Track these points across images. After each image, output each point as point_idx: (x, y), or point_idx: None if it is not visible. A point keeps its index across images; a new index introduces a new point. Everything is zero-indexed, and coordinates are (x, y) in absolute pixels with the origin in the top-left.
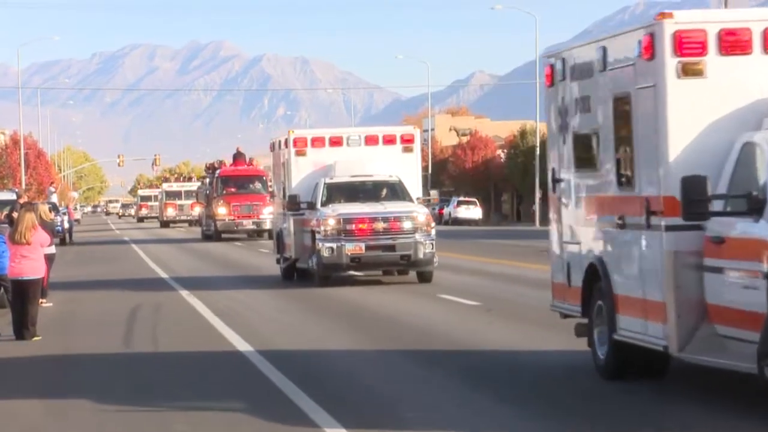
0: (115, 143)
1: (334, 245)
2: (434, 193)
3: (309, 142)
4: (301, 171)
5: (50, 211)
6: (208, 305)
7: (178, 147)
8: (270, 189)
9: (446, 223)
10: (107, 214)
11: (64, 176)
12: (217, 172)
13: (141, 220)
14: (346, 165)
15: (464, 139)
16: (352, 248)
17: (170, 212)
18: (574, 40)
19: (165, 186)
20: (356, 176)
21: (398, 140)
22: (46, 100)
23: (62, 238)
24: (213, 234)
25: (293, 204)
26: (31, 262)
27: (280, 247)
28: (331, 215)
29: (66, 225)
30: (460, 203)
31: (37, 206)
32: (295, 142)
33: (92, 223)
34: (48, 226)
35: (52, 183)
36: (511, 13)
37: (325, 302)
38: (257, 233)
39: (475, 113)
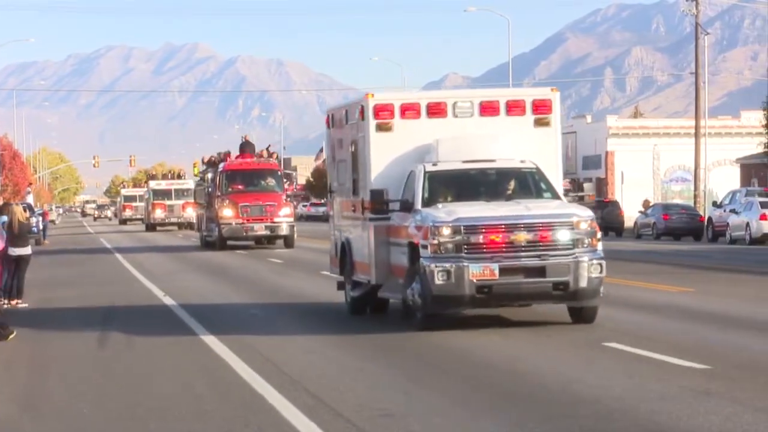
0: (91, 144)
1: (452, 266)
2: (588, 187)
3: (397, 111)
4: (384, 154)
5: (25, 212)
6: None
7: (154, 148)
8: (284, 185)
9: None
10: (84, 215)
11: (39, 177)
12: (221, 165)
13: (124, 222)
14: (453, 145)
15: None
16: (478, 272)
17: (158, 214)
18: (547, 42)
19: (153, 184)
20: (471, 162)
21: (529, 108)
22: (22, 101)
23: (37, 239)
24: (216, 241)
25: (378, 204)
26: None
27: (347, 266)
28: (445, 221)
29: (41, 226)
30: None
31: (12, 207)
32: (376, 110)
33: (66, 224)
34: (23, 227)
35: (30, 184)
36: (484, 16)
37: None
38: (268, 240)
39: None
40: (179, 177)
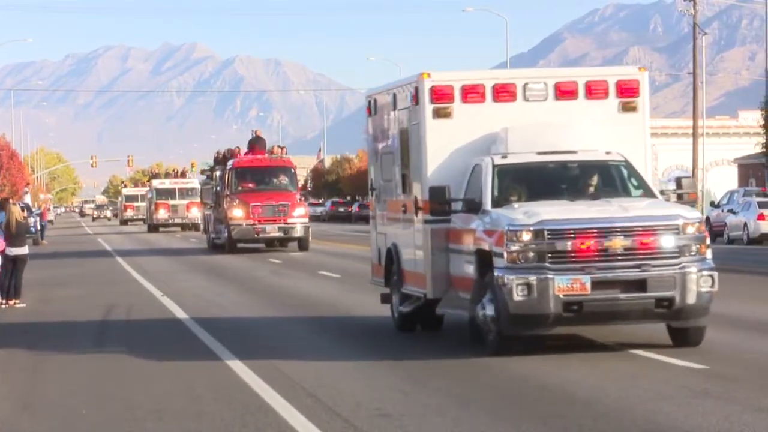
0: (89, 144)
1: (534, 279)
2: (689, 183)
3: (458, 94)
4: (442, 144)
5: (23, 211)
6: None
7: (151, 148)
8: (297, 183)
9: None
10: (82, 215)
11: (37, 177)
12: (230, 162)
13: (125, 222)
14: (525, 134)
15: None
16: (566, 285)
17: (162, 214)
18: (545, 42)
19: (156, 183)
20: (548, 153)
21: (612, 90)
22: (20, 101)
23: (35, 239)
24: (225, 243)
25: (439, 203)
26: None
27: (394, 275)
28: (525, 223)
29: (39, 226)
30: None
31: (10, 206)
32: (434, 92)
33: (63, 224)
34: (21, 227)
35: (28, 184)
36: (482, 16)
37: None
38: (281, 242)
39: None
40: (183, 176)
